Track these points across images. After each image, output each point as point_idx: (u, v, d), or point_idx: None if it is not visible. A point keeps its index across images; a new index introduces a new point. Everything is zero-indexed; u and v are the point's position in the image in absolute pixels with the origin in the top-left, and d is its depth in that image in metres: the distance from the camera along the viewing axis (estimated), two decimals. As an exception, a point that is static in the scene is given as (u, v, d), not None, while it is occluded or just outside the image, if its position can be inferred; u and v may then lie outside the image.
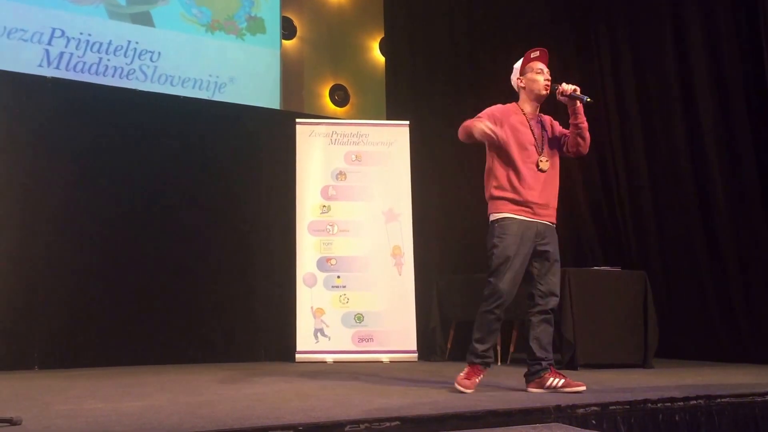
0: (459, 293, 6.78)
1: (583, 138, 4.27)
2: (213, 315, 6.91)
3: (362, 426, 3.00)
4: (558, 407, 3.42)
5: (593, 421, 3.45)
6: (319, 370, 5.86)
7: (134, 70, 7.00)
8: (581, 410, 3.47)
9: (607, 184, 7.50)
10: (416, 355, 6.82)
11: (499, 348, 6.31)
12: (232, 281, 7.07)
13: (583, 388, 4.09)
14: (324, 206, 7.04)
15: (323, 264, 6.95)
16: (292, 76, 8.03)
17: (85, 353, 6.34)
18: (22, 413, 3.14)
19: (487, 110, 4.34)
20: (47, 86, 6.53)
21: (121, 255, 6.64)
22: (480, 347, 4.23)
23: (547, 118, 4.44)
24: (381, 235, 7.00)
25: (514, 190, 4.22)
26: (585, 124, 4.26)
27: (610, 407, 3.53)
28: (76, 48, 6.77)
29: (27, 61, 6.54)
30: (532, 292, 4.27)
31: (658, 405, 3.62)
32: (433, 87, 8.11)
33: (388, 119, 7.93)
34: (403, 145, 7.16)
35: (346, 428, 2.96)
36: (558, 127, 4.44)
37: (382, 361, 6.71)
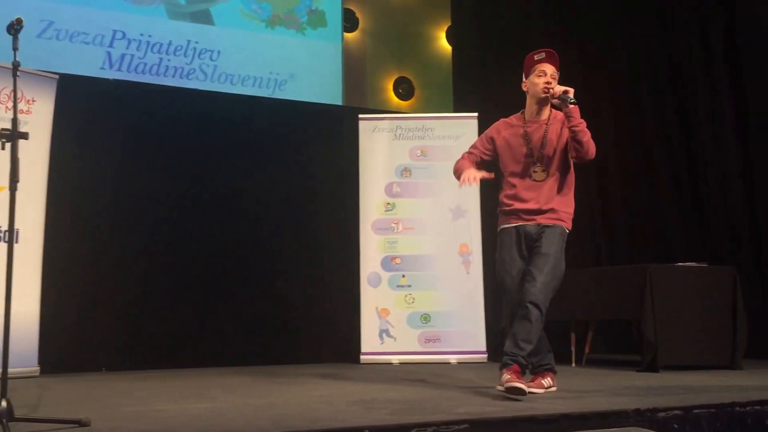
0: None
1: (579, 142, 4.08)
2: (277, 316, 6.85)
3: (430, 429, 2.92)
4: (637, 411, 3.29)
5: (675, 426, 3.29)
6: (384, 372, 5.80)
7: (194, 70, 6.97)
8: (662, 414, 3.31)
9: (693, 172, 7.15)
10: (486, 356, 6.65)
11: (573, 349, 6.10)
12: (295, 282, 6.99)
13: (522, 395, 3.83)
14: (388, 204, 6.89)
15: (388, 263, 6.81)
16: (355, 70, 7.90)
17: (151, 355, 6.35)
18: (91, 415, 3.19)
19: (484, 134, 4.42)
20: (109, 88, 6.55)
21: (186, 257, 6.64)
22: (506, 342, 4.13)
23: (561, 119, 4.25)
24: (448, 232, 6.82)
25: (509, 202, 4.25)
26: (579, 127, 4.08)
27: (694, 411, 3.36)
28: (137, 49, 6.77)
29: (89, 64, 6.58)
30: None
31: (747, 409, 3.45)
32: (503, 77, 7.81)
33: (455, 112, 7.72)
34: (471, 139, 6.84)
35: (413, 431, 2.88)
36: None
37: (449, 363, 6.55)
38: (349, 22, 7.90)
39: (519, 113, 4.35)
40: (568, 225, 4.23)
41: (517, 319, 4.05)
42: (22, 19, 3.33)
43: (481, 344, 6.66)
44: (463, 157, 4.44)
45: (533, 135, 4.22)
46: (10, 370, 3.18)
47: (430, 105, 8.08)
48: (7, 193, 3.25)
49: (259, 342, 6.74)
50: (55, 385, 4.95)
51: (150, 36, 6.84)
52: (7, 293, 3.20)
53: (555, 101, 4.14)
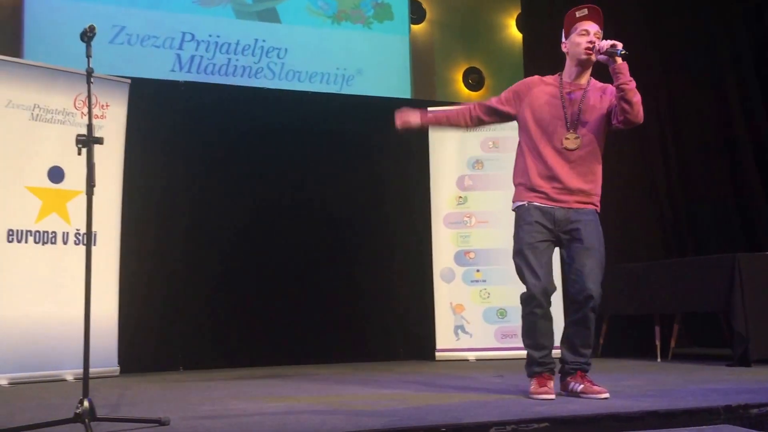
0: (611, 285, 6.37)
1: (629, 102, 3.66)
2: (350, 314, 6.83)
3: (509, 428, 2.88)
4: (728, 407, 3.17)
5: (770, 422, 3.16)
6: (461, 369, 5.76)
7: (262, 69, 7.00)
8: (755, 410, 3.18)
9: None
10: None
11: (658, 343, 5.93)
12: (367, 279, 6.96)
13: (606, 395, 3.62)
14: (460, 197, 6.80)
15: (461, 258, 6.72)
16: (423, 63, 7.81)
17: (228, 354, 6.41)
18: (170, 414, 3.26)
19: (510, 88, 4.00)
20: (180, 90, 6.63)
21: (259, 255, 6.67)
22: (537, 354, 3.80)
23: (600, 87, 3.90)
24: (523, 225, 6.67)
25: (533, 175, 3.82)
26: (630, 85, 3.67)
27: (792, 407, 3.21)
28: (206, 50, 6.83)
29: (160, 66, 6.67)
30: (566, 289, 3.85)
31: None
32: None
33: (527, 100, 7.56)
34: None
35: (491, 430, 2.84)
36: (611, 95, 3.87)
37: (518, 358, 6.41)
38: (416, 13, 7.82)
39: (556, 74, 3.94)
40: (598, 207, 3.90)
41: (572, 324, 3.79)
42: (95, 26, 3.37)
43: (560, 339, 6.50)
44: (465, 105, 4.04)
45: (570, 98, 3.82)
46: (91, 370, 3.22)
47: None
48: (84, 197, 3.29)
49: (334, 340, 6.73)
50: (135, 384, 5.04)
51: (218, 36, 6.89)
52: (86, 295, 3.24)
53: (601, 57, 3.73)
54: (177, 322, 6.33)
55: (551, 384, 3.74)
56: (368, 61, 7.36)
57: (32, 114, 5.44)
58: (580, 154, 3.79)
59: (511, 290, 6.52)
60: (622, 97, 3.68)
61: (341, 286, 6.86)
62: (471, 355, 6.51)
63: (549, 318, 3.79)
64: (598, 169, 3.88)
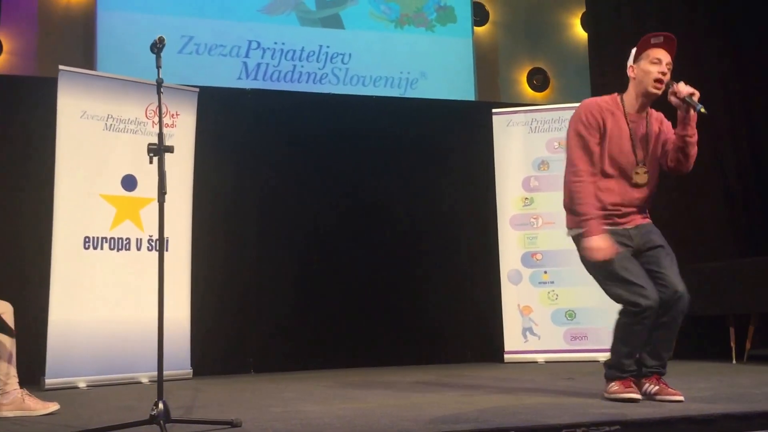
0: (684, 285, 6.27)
1: (687, 155, 3.61)
2: (418, 316, 6.83)
3: (579, 430, 2.83)
4: None
5: None
6: (529, 371, 5.70)
7: (327, 74, 7.06)
8: None
9: None
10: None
11: (733, 345, 5.78)
12: (435, 282, 6.96)
13: (681, 398, 3.51)
14: (526, 199, 6.74)
15: (528, 259, 6.66)
16: (486, 64, 7.77)
17: (298, 357, 6.47)
18: (241, 416, 3.31)
19: (584, 120, 3.69)
20: (246, 98, 6.73)
21: (326, 258, 6.73)
22: (627, 362, 3.70)
23: (656, 116, 3.75)
24: (590, 225, 6.58)
25: (601, 204, 3.67)
26: (694, 138, 3.57)
27: None
28: (272, 58, 6.92)
29: (227, 75, 6.78)
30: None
31: None
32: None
33: (592, 101, 7.45)
34: (610, 128, 6.70)
35: None
36: (668, 131, 3.73)
37: (598, 361, 6.31)
38: (479, 15, 7.78)
39: (614, 97, 3.77)
40: None
41: (665, 325, 3.64)
42: (164, 37, 3.45)
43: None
44: (581, 176, 3.66)
45: (637, 130, 3.70)
46: (165, 373, 3.30)
47: (567, 95, 7.83)
48: (156, 204, 3.37)
49: (402, 343, 6.74)
50: (207, 387, 5.12)
51: (283, 44, 6.98)
52: (159, 299, 3.32)
53: (675, 101, 3.57)
54: (248, 326, 6.43)
55: (634, 386, 3.66)
56: (432, 64, 7.36)
57: (106, 124, 5.60)
58: (645, 190, 3.75)
59: (579, 292, 6.50)
60: (682, 148, 3.60)
61: (409, 289, 6.87)
62: (540, 357, 6.45)
63: (650, 328, 3.66)
64: (653, 193, 3.82)
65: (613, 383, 3.71)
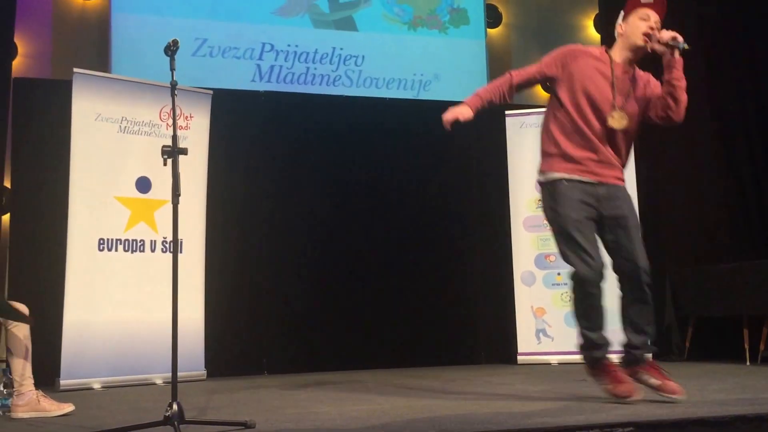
0: (697, 286, 6.28)
1: (676, 99, 3.55)
2: (430, 318, 6.83)
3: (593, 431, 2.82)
4: None
5: None
6: (543, 373, 5.69)
7: (340, 77, 7.07)
8: None
9: None
10: (650, 355, 6.32)
11: (747, 346, 5.74)
12: (447, 282, 6.96)
13: (680, 396, 3.49)
14: (539, 201, 6.70)
15: (541, 261, 6.64)
16: (500, 66, 7.72)
17: (311, 358, 6.48)
18: (255, 417, 3.32)
19: (551, 55, 3.79)
20: (260, 100, 6.75)
21: (341, 260, 6.75)
22: (594, 335, 3.66)
23: (643, 75, 3.74)
24: (603, 227, 6.56)
25: (568, 143, 3.65)
26: (682, 82, 3.53)
27: None
28: (285, 60, 6.94)
29: (240, 77, 6.79)
30: (615, 269, 3.65)
31: None
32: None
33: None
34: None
35: None
36: (655, 88, 3.71)
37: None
38: (492, 17, 7.77)
39: (602, 48, 3.79)
40: None
41: (633, 303, 3.63)
42: (178, 40, 3.47)
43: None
44: (505, 75, 3.85)
45: (620, 78, 3.65)
46: (179, 374, 3.31)
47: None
48: (170, 206, 3.39)
49: (416, 344, 6.74)
50: (221, 388, 5.14)
51: (297, 46, 6.99)
52: (174, 301, 3.34)
53: (658, 47, 3.55)
54: (261, 327, 6.44)
55: (625, 377, 3.60)
56: (445, 66, 7.35)
57: (120, 126, 5.63)
58: (620, 137, 3.66)
59: (593, 294, 6.47)
60: (671, 92, 3.56)
61: (422, 291, 6.86)
62: (553, 359, 6.43)
63: (602, 296, 3.63)
64: (627, 161, 3.77)
65: (603, 376, 3.63)
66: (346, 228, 6.80)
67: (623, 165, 3.75)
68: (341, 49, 7.10)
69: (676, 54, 3.52)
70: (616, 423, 2.88)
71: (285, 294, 6.56)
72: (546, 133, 3.79)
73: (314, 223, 6.73)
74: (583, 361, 3.78)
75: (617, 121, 3.61)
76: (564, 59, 3.74)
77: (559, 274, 6.56)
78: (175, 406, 3.12)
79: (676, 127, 3.73)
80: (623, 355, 3.74)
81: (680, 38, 3.51)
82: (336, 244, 6.75)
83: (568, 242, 3.59)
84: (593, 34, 8.05)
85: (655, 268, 6.48)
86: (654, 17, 3.63)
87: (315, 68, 7.01)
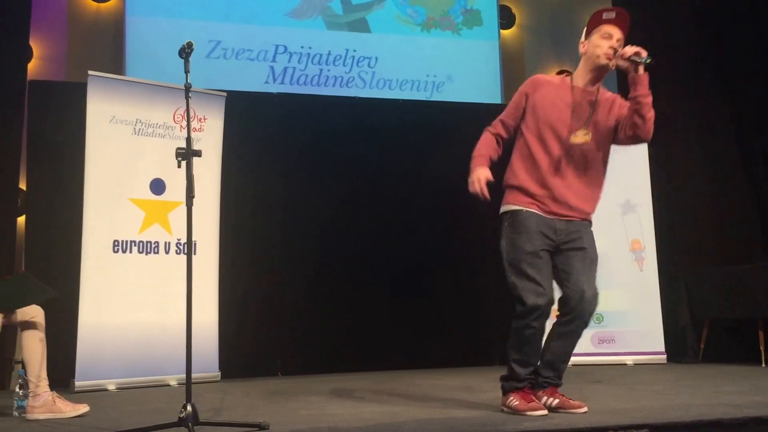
0: (712, 288, 6.25)
1: (642, 117, 3.41)
2: (445, 319, 6.83)
3: None
4: None
5: None
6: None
7: (353, 78, 7.08)
8: None
9: None
10: (665, 356, 6.32)
11: (762, 348, 5.71)
12: (462, 283, 6.94)
13: (585, 409, 3.42)
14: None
15: (556, 263, 6.60)
16: (513, 67, 7.75)
17: (325, 359, 6.49)
18: (269, 418, 3.34)
19: (516, 93, 3.71)
20: (273, 102, 6.76)
21: (355, 261, 6.75)
22: (523, 372, 3.54)
23: (609, 97, 3.61)
24: (617, 228, 6.54)
25: (533, 181, 3.58)
26: (647, 99, 3.40)
27: None
28: (298, 62, 6.95)
29: (254, 79, 6.82)
30: (561, 298, 3.56)
31: None
32: (670, 67, 7.41)
33: (619, 104, 7.36)
34: (638, 131, 6.63)
35: None
36: (620, 108, 3.58)
37: (625, 364, 6.29)
38: (506, 18, 7.76)
39: (563, 76, 3.73)
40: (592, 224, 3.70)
41: (565, 335, 3.53)
42: (193, 42, 3.47)
43: (659, 345, 6.34)
44: (486, 132, 3.75)
45: (580, 106, 3.55)
46: (193, 375, 3.32)
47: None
48: (184, 207, 3.40)
49: (429, 346, 6.73)
50: (235, 389, 5.15)
51: (310, 48, 7.01)
52: (188, 302, 3.34)
53: (621, 63, 3.41)
54: (275, 328, 6.44)
55: (534, 398, 3.51)
56: (458, 68, 7.35)
57: (134, 129, 5.65)
58: (585, 158, 3.55)
59: (606, 295, 6.33)
60: (637, 110, 3.42)
61: (436, 292, 6.86)
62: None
63: (543, 333, 3.55)
64: (599, 190, 3.66)
65: (511, 395, 3.52)
66: (359, 229, 6.80)
67: (594, 197, 3.66)
68: (354, 50, 7.11)
69: (641, 69, 3.40)
70: (631, 425, 2.89)
71: (299, 295, 6.57)
72: (509, 166, 3.73)
73: (327, 224, 6.73)
74: (501, 386, 3.64)
75: (580, 137, 3.53)
76: (527, 90, 3.68)
77: (573, 275, 6.53)
78: (189, 408, 3.13)
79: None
80: (531, 379, 3.59)
81: (644, 53, 3.40)
82: (349, 245, 6.75)
83: (518, 274, 3.51)
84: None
85: (669, 269, 6.57)
86: (617, 34, 3.53)
87: (328, 70, 7.03)
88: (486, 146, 3.74)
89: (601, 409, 3.47)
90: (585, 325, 3.53)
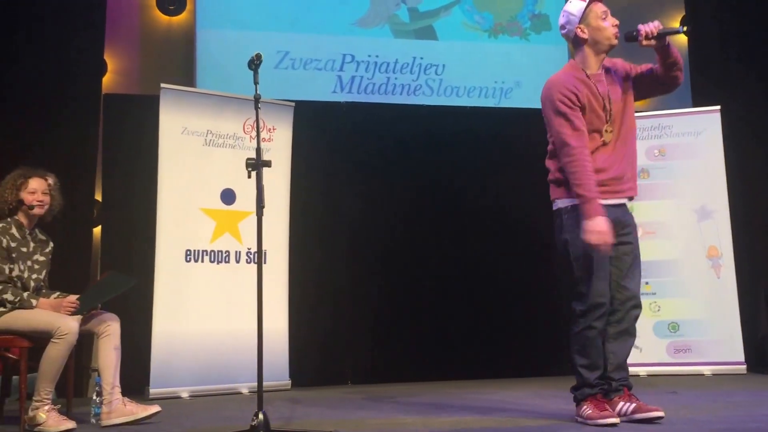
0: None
1: (681, 70, 3.61)
2: (514, 328, 6.73)
3: None
4: None
5: None
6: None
7: (420, 86, 7.06)
8: None
9: None
10: (744, 366, 6.11)
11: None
12: (529, 292, 6.82)
13: (661, 414, 3.31)
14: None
15: (629, 270, 6.46)
16: (582, 72, 7.63)
17: (395, 368, 6.47)
18: (339, 427, 3.41)
19: (560, 97, 3.53)
20: (341, 111, 6.79)
21: (424, 269, 6.73)
22: (591, 376, 3.48)
23: (613, 63, 3.69)
24: (693, 235, 6.36)
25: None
26: (680, 57, 3.60)
27: None
28: (366, 71, 6.97)
29: (322, 88, 6.86)
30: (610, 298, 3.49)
31: None
32: (746, 67, 7.17)
33: (694, 106, 7.17)
34: (715, 134, 6.44)
35: None
36: (622, 67, 3.70)
37: (703, 374, 6.11)
38: (574, 22, 7.65)
39: (573, 65, 3.68)
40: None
41: (620, 334, 3.54)
42: (261, 54, 3.52)
43: (739, 354, 6.13)
44: (578, 150, 3.51)
45: (602, 87, 3.61)
46: (264, 383, 3.35)
47: (667, 101, 7.57)
48: (254, 217, 3.43)
49: (499, 354, 6.65)
50: (305, 397, 5.18)
51: (377, 56, 7.02)
52: (258, 311, 3.38)
53: (648, 42, 3.50)
54: (344, 337, 6.47)
55: (607, 406, 3.44)
56: (526, 73, 7.26)
57: (205, 139, 5.75)
58: (616, 143, 3.61)
59: (682, 303, 6.31)
60: (679, 67, 3.60)
61: (503, 300, 6.78)
62: (642, 371, 6.24)
63: (603, 334, 3.52)
64: (634, 150, 3.72)
65: (585, 404, 3.47)
66: (429, 237, 6.77)
67: (633, 176, 3.72)
68: (422, 58, 7.10)
69: (666, 40, 3.51)
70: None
71: (369, 304, 6.57)
72: (557, 159, 3.70)
73: (397, 232, 6.73)
74: (573, 397, 3.59)
75: (608, 134, 3.59)
76: (569, 90, 3.58)
77: (647, 283, 6.37)
78: (261, 416, 3.15)
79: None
80: (603, 385, 3.54)
81: (661, 25, 3.51)
82: (419, 253, 6.73)
83: (588, 267, 3.47)
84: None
85: (751, 278, 6.36)
86: (606, 10, 3.64)
87: (396, 78, 7.03)
88: (591, 176, 3.52)
89: (675, 422, 3.37)
90: (635, 321, 3.58)
